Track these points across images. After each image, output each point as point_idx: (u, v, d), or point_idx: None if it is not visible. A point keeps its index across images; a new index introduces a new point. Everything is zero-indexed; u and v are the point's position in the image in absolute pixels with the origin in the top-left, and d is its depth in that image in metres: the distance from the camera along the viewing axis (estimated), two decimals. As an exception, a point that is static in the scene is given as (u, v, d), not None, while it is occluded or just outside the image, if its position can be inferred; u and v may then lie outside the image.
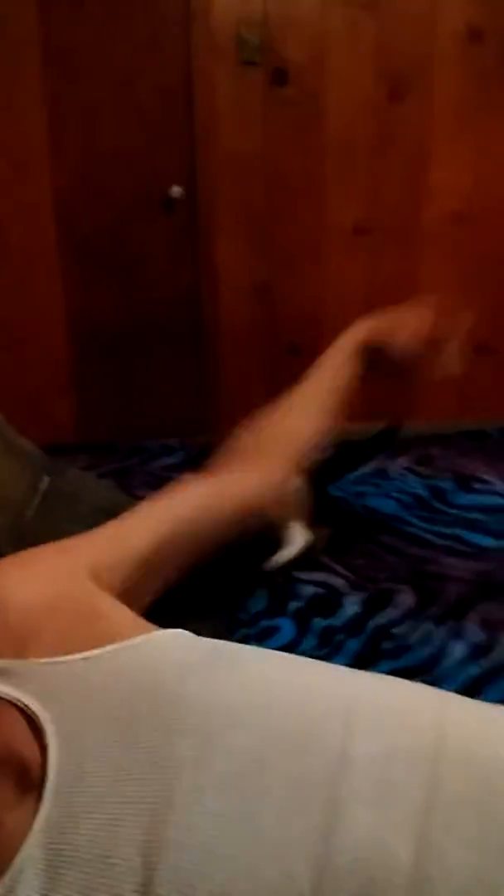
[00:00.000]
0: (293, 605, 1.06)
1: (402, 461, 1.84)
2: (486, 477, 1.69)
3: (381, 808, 0.50)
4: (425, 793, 0.50)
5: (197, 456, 1.81)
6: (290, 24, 2.68)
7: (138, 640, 0.62)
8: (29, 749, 0.54)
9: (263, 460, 0.95)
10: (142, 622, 0.67)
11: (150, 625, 0.67)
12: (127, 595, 0.71)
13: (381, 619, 1.04)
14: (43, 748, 0.54)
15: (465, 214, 2.99)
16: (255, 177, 2.82)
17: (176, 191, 2.70)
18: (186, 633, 0.66)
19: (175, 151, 2.72)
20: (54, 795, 0.51)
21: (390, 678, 0.66)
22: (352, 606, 1.06)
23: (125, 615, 0.68)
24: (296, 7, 2.69)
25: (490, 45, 2.82)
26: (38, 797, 0.52)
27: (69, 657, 0.60)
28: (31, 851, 0.49)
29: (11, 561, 0.71)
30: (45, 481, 1.32)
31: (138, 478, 1.65)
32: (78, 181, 2.70)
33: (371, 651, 0.97)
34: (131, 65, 2.61)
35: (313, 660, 0.67)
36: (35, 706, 0.56)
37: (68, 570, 0.70)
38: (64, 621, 0.63)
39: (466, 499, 1.48)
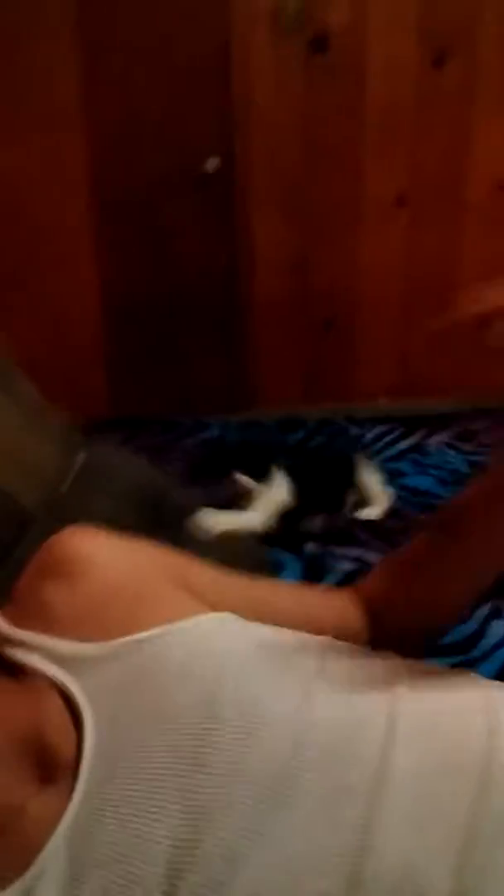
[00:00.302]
0: (329, 578, 1.05)
1: (443, 437, 1.81)
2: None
3: (419, 830, 0.47)
4: (470, 819, 0.47)
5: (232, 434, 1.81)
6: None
7: (185, 623, 0.59)
8: (62, 736, 0.53)
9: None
10: (196, 603, 0.64)
11: (203, 607, 0.63)
12: None
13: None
14: (79, 737, 0.52)
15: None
16: (294, 148, 2.77)
17: (212, 162, 2.66)
18: (233, 617, 0.63)
19: (212, 122, 2.68)
20: (84, 794, 0.50)
21: (436, 674, 0.63)
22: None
23: (180, 595, 0.64)
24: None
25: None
26: (69, 791, 0.50)
27: (117, 640, 0.58)
28: (56, 852, 0.48)
29: (103, 534, 0.68)
30: (81, 456, 1.33)
31: (173, 454, 1.66)
32: (113, 152, 2.68)
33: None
34: (168, 32, 2.57)
35: (357, 651, 0.64)
36: (75, 689, 0.54)
37: (151, 559, 0.67)
38: (124, 604, 0.61)
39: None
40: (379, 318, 3.01)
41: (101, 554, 0.64)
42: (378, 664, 0.63)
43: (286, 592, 0.79)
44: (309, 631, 0.66)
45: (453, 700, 0.58)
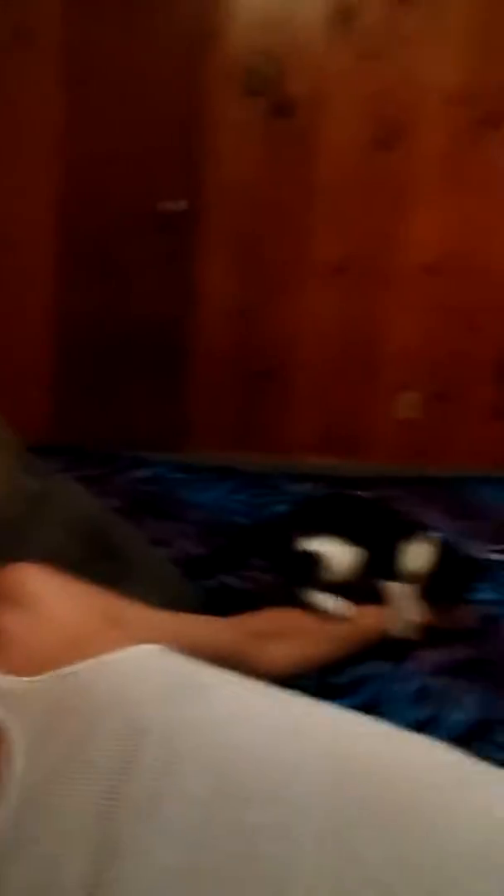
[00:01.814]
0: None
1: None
2: (435, 524, 1.80)
3: (338, 881, 0.47)
4: (395, 874, 0.48)
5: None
6: (299, 61, 2.77)
7: (114, 655, 0.63)
8: None
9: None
10: (126, 639, 0.67)
11: (135, 641, 0.66)
12: None
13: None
14: (8, 762, 0.54)
15: (436, 268, 3.13)
16: (250, 203, 2.90)
17: (171, 207, 2.75)
18: (167, 650, 0.67)
19: (174, 169, 2.78)
20: (6, 816, 0.50)
21: (381, 730, 0.66)
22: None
23: (109, 632, 0.68)
24: (305, 46, 2.78)
25: (476, 108, 2.97)
26: None
27: (47, 675, 0.61)
28: None
29: (52, 574, 0.72)
30: (32, 482, 1.36)
31: (109, 487, 1.70)
32: (82, 185, 2.74)
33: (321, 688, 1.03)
34: (144, 78, 2.66)
35: (301, 697, 0.67)
36: (7, 720, 0.57)
37: (88, 598, 0.73)
38: (56, 641, 0.65)
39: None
40: (311, 375, 3.16)
41: (43, 593, 0.69)
42: (293, 700, 0.66)
43: (205, 625, 0.91)
44: (220, 658, 0.73)
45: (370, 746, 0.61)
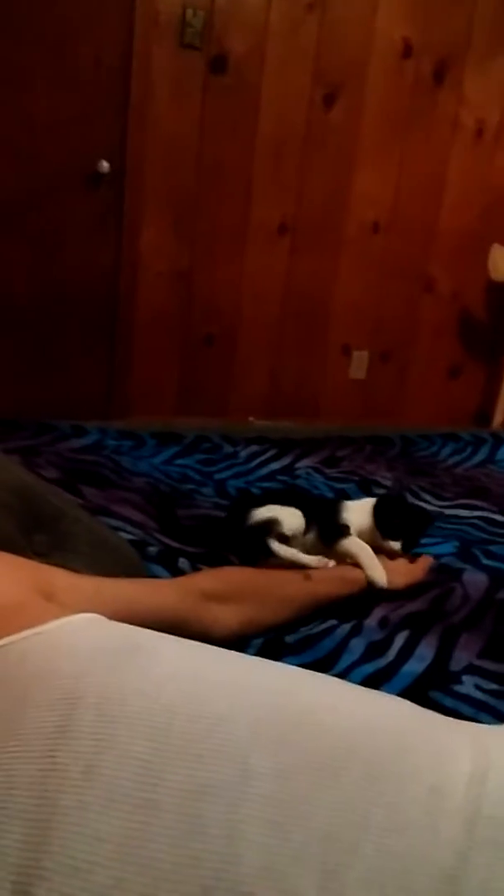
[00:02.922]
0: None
1: (309, 461, 1.90)
2: (384, 481, 1.78)
3: (282, 834, 0.46)
4: (331, 819, 0.47)
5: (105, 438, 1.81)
6: (235, 13, 2.68)
7: (48, 626, 0.61)
8: None
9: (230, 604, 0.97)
10: (61, 609, 0.65)
11: (69, 611, 0.64)
12: None
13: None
14: None
15: (381, 225, 3.10)
16: (186, 162, 2.80)
17: (104, 166, 2.65)
18: (102, 618, 0.65)
19: (107, 126, 2.66)
20: None
21: (308, 676, 0.64)
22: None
23: (40, 603, 0.66)
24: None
25: (422, 61, 2.93)
26: None
27: None
28: None
29: None
30: (-45, 455, 1.28)
31: (45, 457, 1.62)
32: (4, 146, 2.59)
33: (274, 645, 1.01)
34: (70, 33, 2.53)
35: (237, 654, 0.66)
36: None
37: (13, 570, 0.69)
38: None
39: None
40: (255, 338, 3.10)
41: None
42: (241, 661, 0.65)
43: (144, 589, 0.86)
44: (164, 621, 0.71)
45: (311, 698, 0.59)
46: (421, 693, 0.92)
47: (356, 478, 1.79)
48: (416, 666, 0.98)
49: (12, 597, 0.65)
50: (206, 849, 0.45)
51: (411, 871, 0.45)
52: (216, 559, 1.24)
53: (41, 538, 1.16)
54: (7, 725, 0.52)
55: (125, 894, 0.44)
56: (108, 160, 2.65)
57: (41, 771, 0.49)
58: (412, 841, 0.47)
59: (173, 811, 0.47)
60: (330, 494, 1.66)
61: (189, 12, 2.61)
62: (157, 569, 1.18)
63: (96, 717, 0.51)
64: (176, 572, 1.17)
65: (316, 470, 1.83)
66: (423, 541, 1.34)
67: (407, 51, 2.91)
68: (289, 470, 1.82)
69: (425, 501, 1.67)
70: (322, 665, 0.97)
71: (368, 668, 0.97)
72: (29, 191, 2.65)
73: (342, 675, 0.94)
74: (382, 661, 0.98)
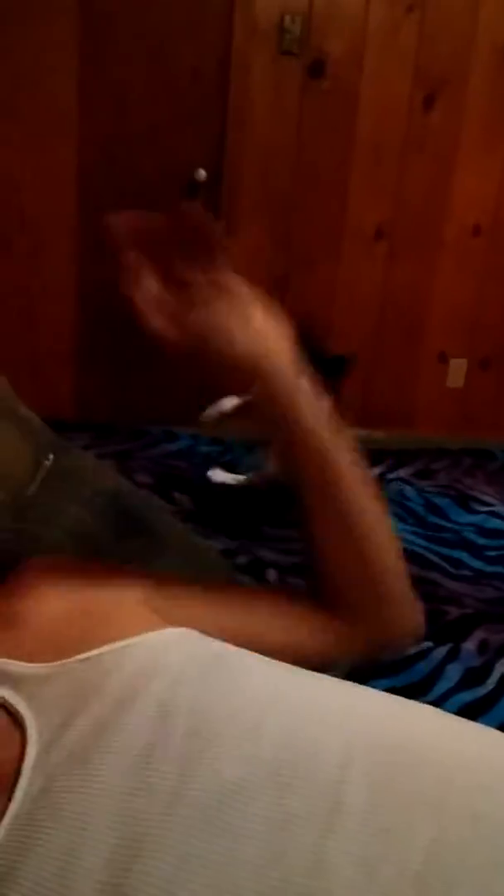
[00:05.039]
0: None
1: (402, 472, 1.85)
2: (486, 498, 1.70)
3: (370, 869, 0.44)
4: (426, 857, 0.45)
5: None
6: (333, 17, 2.66)
7: (137, 638, 0.59)
8: (6, 751, 0.51)
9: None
10: (153, 619, 0.63)
11: (160, 623, 0.62)
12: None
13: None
14: (23, 750, 0.51)
15: (484, 228, 2.99)
16: (283, 168, 2.80)
17: (201, 174, 2.67)
18: (194, 632, 0.62)
19: (204, 135, 2.69)
20: (14, 817, 0.48)
21: (404, 706, 0.61)
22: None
23: (138, 613, 0.64)
24: (339, 1, 2.66)
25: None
26: (3, 809, 0.48)
27: (69, 659, 0.57)
28: None
29: (42, 572, 0.68)
30: (50, 459, 1.31)
31: (138, 462, 1.65)
32: (104, 155, 2.66)
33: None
34: (168, 42, 2.57)
35: (329, 678, 0.62)
36: (21, 706, 0.53)
37: (104, 580, 0.67)
38: (78, 627, 0.61)
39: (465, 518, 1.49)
40: (349, 344, 3.05)
41: (49, 586, 0.65)
42: (334, 685, 0.61)
43: (249, 602, 0.76)
44: (275, 640, 0.66)
45: (408, 728, 0.56)
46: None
47: (452, 492, 1.71)
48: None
49: (108, 605, 0.64)
50: (289, 879, 0.44)
51: None
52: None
53: (133, 545, 1.16)
54: (95, 740, 0.51)
55: None
56: (206, 168, 2.68)
57: (129, 788, 0.48)
58: None
59: (258, 838, 0.45)
60: (422, 510, 1.60)
61: (287, 19, 2.61)
62: (245, 579, 1.16)
63: (185, 736, 0.50)
64: (263, 583, 1.15)
65: (407, 482, 1.78)
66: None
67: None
68: (379, 480, 1.77)
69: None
70: (415, 690, 0.93)
71: (466, 696, 0.92)
72: (127, 200, 2.71)
73: (437, 703, 0.89)
74: (481, 690, 0.93)
